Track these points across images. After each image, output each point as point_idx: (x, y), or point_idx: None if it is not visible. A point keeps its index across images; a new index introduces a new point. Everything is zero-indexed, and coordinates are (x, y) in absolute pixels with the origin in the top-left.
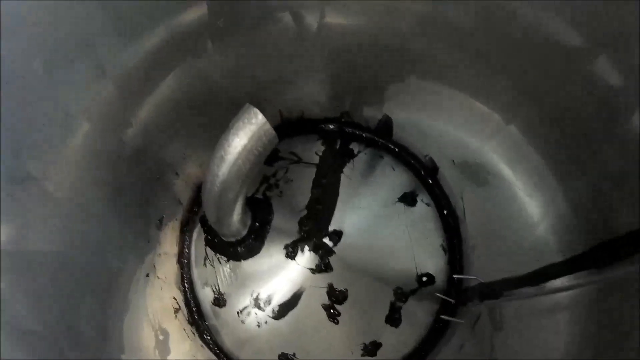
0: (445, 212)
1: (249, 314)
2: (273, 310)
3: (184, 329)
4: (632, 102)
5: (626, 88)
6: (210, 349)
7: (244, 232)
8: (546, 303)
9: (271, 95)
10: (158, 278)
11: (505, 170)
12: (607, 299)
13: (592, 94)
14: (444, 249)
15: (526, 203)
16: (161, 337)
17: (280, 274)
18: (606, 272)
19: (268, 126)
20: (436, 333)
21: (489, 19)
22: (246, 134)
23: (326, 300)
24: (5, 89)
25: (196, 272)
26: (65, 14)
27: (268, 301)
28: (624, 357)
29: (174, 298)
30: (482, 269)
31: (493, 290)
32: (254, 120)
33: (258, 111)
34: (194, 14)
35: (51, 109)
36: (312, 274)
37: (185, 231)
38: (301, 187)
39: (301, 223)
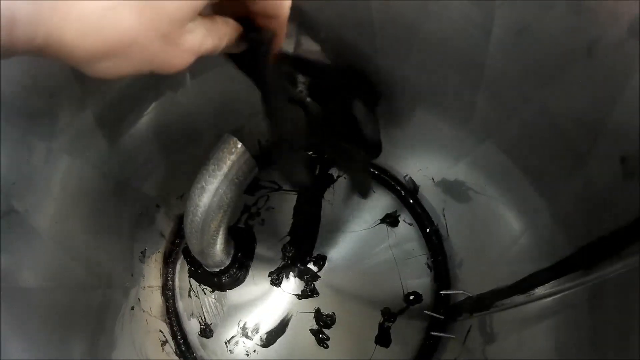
0: (427, 230)
1: (237, 343)
2: (261, 338)
3: None
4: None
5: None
6: None
7: (228, 262)
8: (535, 309)
9: (250, 127)
10: (143, 311)
11: (485, 185)
12: (597, 297)
13: (570, 102)
14: (429, 267)
15: (508, 215)
16: None
17: (266, 302)
18: (592, 273)
19: (248, 155)
20: (427, 350)
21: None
22: (226, 163)
23: (314, 325)
24: None
25: (181, 304)
26: None
27: (256, 329)
28: (624, 356)
29: (160, 331)
30: (469, 283)
31: (482, 303)
32: (233, 150)
33: (237, 140)
34: None
35: (33, 143)
36: (298, 300)
37: (168, 263)
38: (283, 214)
39: (284, 250)
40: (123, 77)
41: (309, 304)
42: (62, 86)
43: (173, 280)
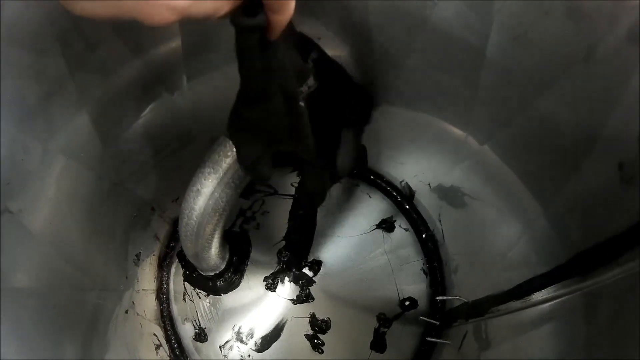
0: (423, 236)
1: (231, 348)
2: (256, 343)
3: None
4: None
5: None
6: None
7: (223, 266)
8: (531, 315)
9: None
10: (137, 315)
11: (481, 191)
12: (594, 304)
13: (568, 108)
14: (424, 272)
15: (504, 221)
16: None
17: (261, 307)
18: (589, 279)
19: None
20: (423, 356)
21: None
22: (222, 166)
23: (309, 331)
24: None
25: (176, 308)
26: (43, 46)
27: (250, 334)
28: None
29: (154, 335)
30: (465, 289)
31: (478, 309)
32: (229, 153)
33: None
34: (169, 49)
35: (29, 143)
36: (293, 305)
37: (163, 266)
38: (278, 218)
39: (280, 254)
40: (107, 19)
41: (304, 309)
42: (59, 86)
43: (167, 284)
